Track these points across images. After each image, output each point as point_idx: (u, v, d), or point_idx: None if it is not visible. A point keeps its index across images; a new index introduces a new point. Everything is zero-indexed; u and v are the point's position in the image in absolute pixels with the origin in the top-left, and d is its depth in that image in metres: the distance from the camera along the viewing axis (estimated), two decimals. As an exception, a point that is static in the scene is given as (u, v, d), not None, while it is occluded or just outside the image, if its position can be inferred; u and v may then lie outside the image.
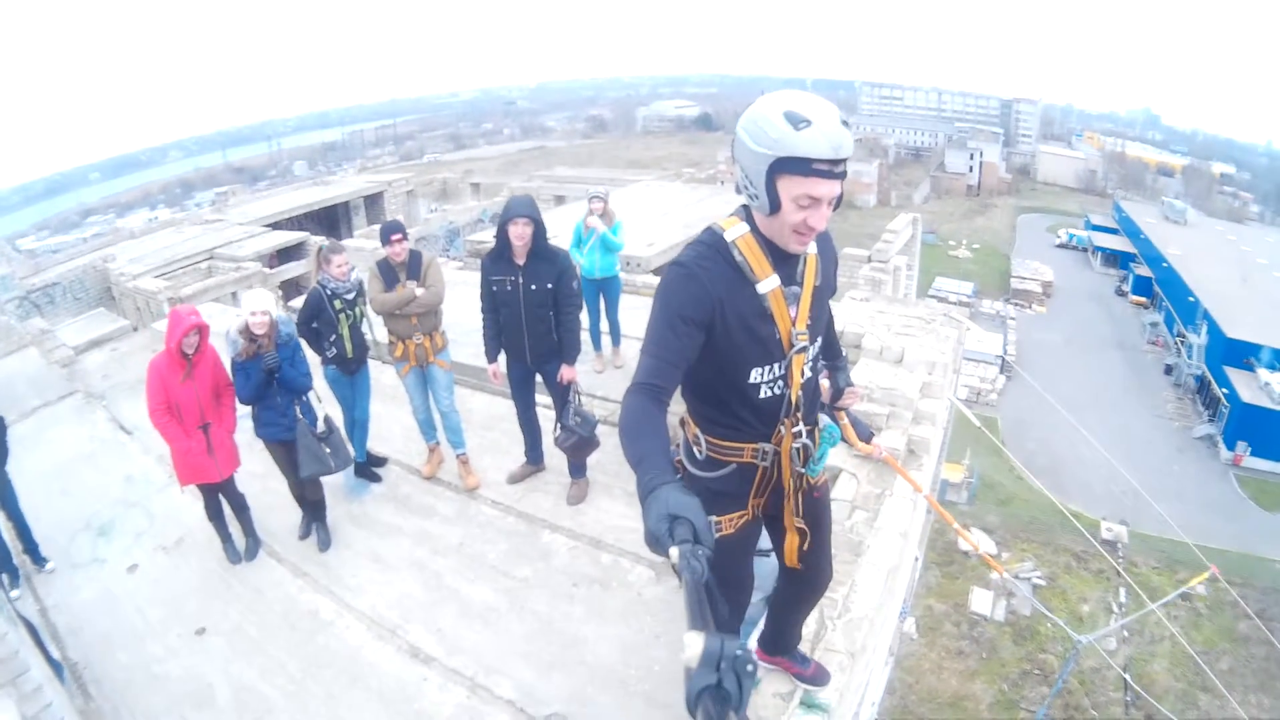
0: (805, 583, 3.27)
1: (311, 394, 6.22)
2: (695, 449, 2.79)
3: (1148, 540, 26.87)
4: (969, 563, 25.27)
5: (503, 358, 6.46)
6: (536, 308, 6.05)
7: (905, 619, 7.86)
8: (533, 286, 6.00)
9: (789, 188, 2.31)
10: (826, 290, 2.76)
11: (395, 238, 6.45)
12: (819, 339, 2.76)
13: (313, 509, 6.46)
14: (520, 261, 5.99)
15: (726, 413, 2.68)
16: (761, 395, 2.63)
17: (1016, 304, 54.43)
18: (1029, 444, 32.83)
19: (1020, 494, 28.55)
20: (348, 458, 6.46)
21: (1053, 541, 26.26)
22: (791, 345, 2.59)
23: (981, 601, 23.55)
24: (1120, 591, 24.08)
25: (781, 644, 3.62)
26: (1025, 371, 37.39)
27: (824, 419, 2.99)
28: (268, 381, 5.87)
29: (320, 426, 6.23)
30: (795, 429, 2.71)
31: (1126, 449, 31.59)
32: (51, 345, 12.07)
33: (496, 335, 6.33)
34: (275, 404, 5.99)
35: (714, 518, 2.77)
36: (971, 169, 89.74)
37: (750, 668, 1.40)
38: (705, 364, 2.52)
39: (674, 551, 1.69)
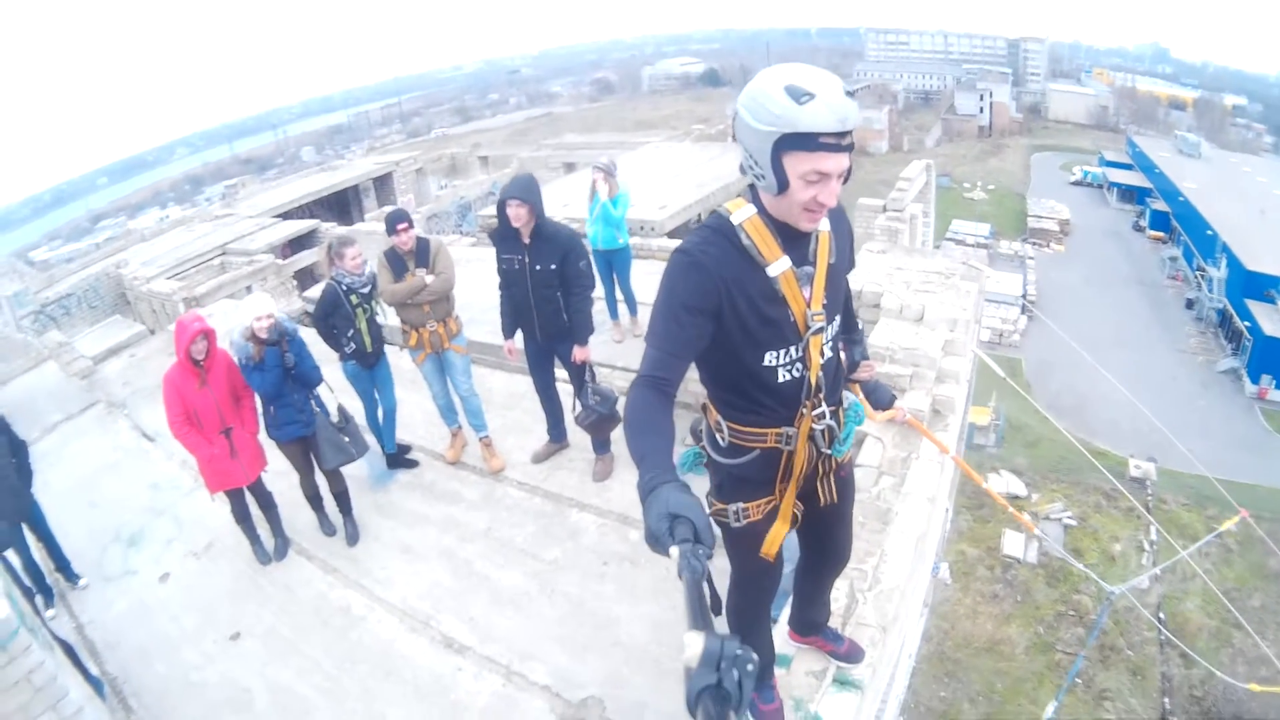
0: (828, 560, 3.25)
1: (322, 386, 6.22)
2: (718, 435, 2.73)
3: (1176, 477, 26.68)
4: (997, 506, 25.15)
5: (519, 334, 6.44)
6: (543, 288, 6.02)
7: (937, 573, 7.81)
8: (538, 266, 5.97)
9: (796, 164, 2.23)
10: (842, 268, 2.69)
11: (401, 226, 6.40)
12: (837, 318, 2.69)
13: (338, 501, 6.47)
14: (526, 240, 5.95)
15: (746, 398, 2.62)
16: (780, 379, 2.57)
17: (1034, 243, 53.75)
18: (1054, 384, 32.62)
19: (1048, 435, 28.32)
20: (365, 445, 6.45)
21: (1082, 481, 26.13)
22: (807, 327, 2.52)
23: (1014, 544, 23.50)
24: (1151, 529, 23.98)
25: (811, 622, 3.58)
26: (1046, 311, 37.01)
27: (848, 397, 2.94)
28: (285, 376, 5.87)
29: (335, 417, 6.24)
30: (817, 411, 2.65)
31: (1150, 386, 31.34)
32: (70, 357, 12.09)
33: (512, 311, 6.32)
34: (293, 401, 5.98)
35: (742, 504, 2.76)
36: (982, 110, 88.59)
37: (750, 667, 1.39)
38: (720, 350, 2.47)
39: (674, 551, 1.69)
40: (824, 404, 2.67)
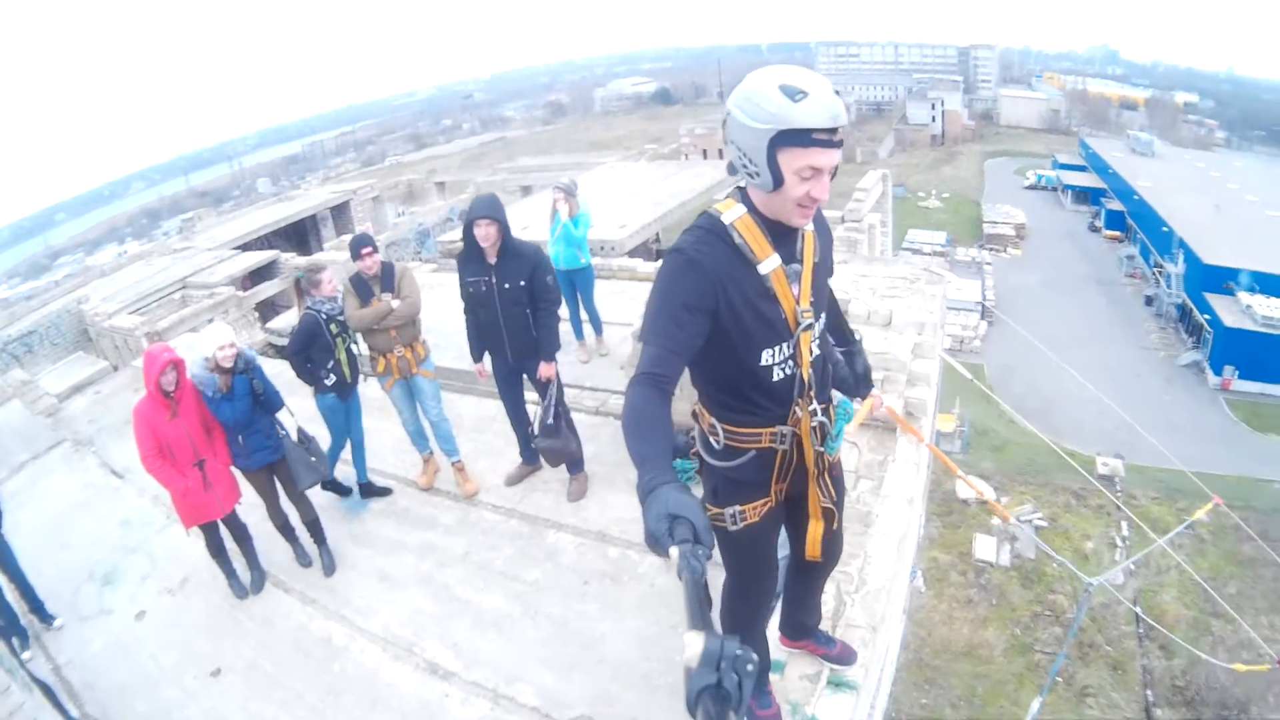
0: (820, 560, 3.22)
1: (283, 410, 6.19)
2: (712, 439, 2.75)
3: (1144, 472, 27.03)
4: (969, 511, 25.42)
5: (488, 356, 6.43)
6: (512, 305, 6.01)
7: (915, 577, 7.86)
8: (506, 285, 5.96)
9: (791, 161, 2.30)
10: (825, 267, 2.74)
11: (366, 251, 6.39)
12: (823, 315, 2.73)
13: (311, 530, 6.41)
14: (492, 261, 5.95)
15: (741, 398, 2.65)
16: (775, 377, 2.61)
17: (991, 249, 54.53)
18: (1017, 387, 32.96)
19: (1014, 438, 28.69)
20: (328, 464, 6.47)
21: (1050, 482, 26.42)
22: (798, 324, 2.57)
23: (985, 548, 23.69)
24: (1122, 525, 24.25)
25: (802, 626, 3.59)
26: (1006, 315, 37.38)
27: (837, 395, 2.98)
28: (251, 405, 5.83)
29: (296, 437, 6.25)
30: (810, 408, 2.69)
31: (1115, 383, 31.72)
32: (34, 396, 11.95)
33: (478, 335, 6.30)
34: (261, 427, 5.95)
35: (739, 507, 2.78)
36: (934, 119, 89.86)
37: (750, 667, 1.39)
38: (716, 350, 2.50)
39: (674, 551, 1.68)
40: (815, 401, 2.71)
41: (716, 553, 2.97)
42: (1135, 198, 51.39)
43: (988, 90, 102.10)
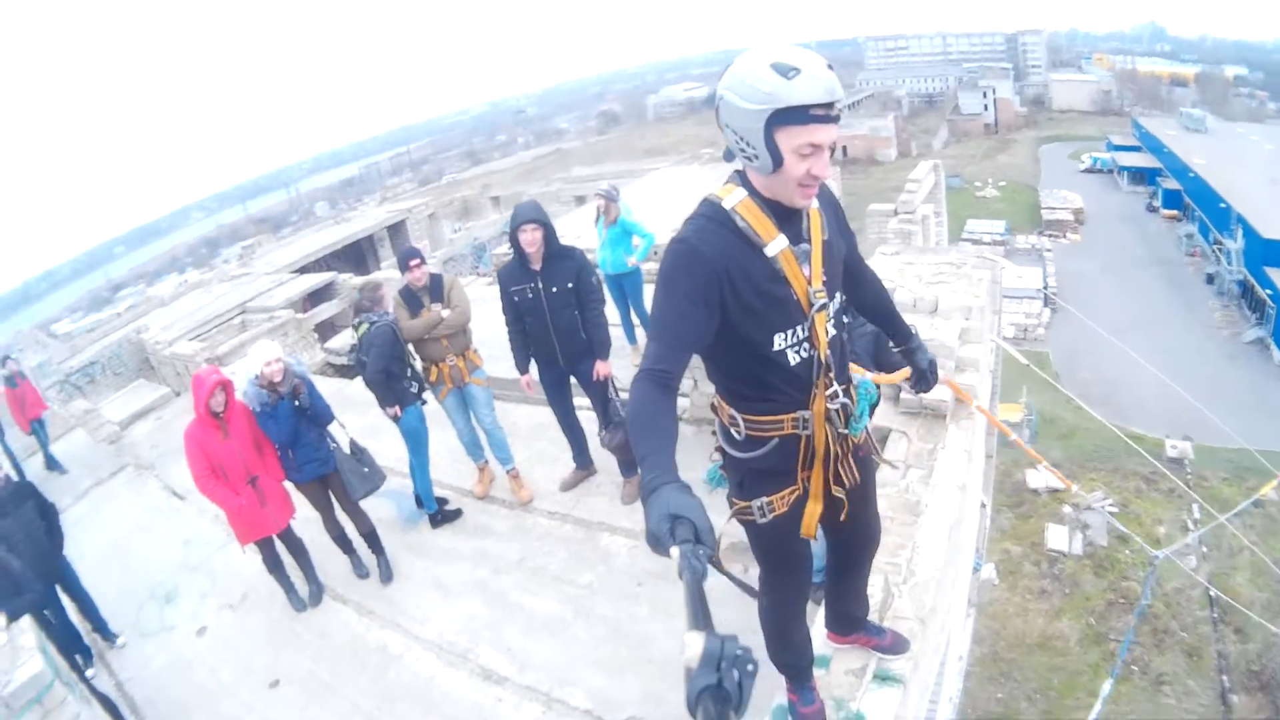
0: (855, 544, 3.17)
1: (334, 423, 6.25)
2: (733, 430, 2.68)
3: (1214, 453, 26.34)
4: (1039, 500, 24.96)
5: (534, 367, 6.42)
6: (561, 309, 6.01)
7: (979, 570, 7.69)
8: (554, 289, 5.96)
9: (789, 139, 2.25)
10: (837, 243, 2.67)
11: (414, 263, 6.44)
12: (838, 295, 2.66)
13: (368, 541, 6.48)
14: (536, 267, 5.96)
15: (759, 386, 2.59)
16: (791, 361, 2.54)
17: (1050, 235, 53.36)
18: (1083, 373, 32.27)
19: (1081, 425, 28.07)
20: (383, 473, 6.49)
21: (1120, 468, 25.86)
22: (811, 304, 2.51)
23: (1058, 538, 23.20)
24: (1194, 508, 23.63)
25: (849, 617, 3.51)
26: (1068, 301, 36.64)
27: (858, 375, 2.90)
28: (298, 419, 5.90)
29: (348, 449, 6.31)
30: (830, 390, 2.62)
31: (1179, 364, 30.90)
32: (97, 424, 12.27)
33: (524, 345, 6.30)
34: (310, 441, 6.02)
35: (766, 498, 2.71)
36: (986, 108, 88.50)
37: (750, 667, 1.39)
38: (728, 340, 2.45)
39: (675, 551, 1.68)
40: (835, 383, 2.64)
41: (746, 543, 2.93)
42: (1191, 175, 50.22)
43: (1038, 75, 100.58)
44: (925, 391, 3.39)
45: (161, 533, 8.42)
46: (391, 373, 6.46)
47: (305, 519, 6.34)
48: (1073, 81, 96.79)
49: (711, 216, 2.45)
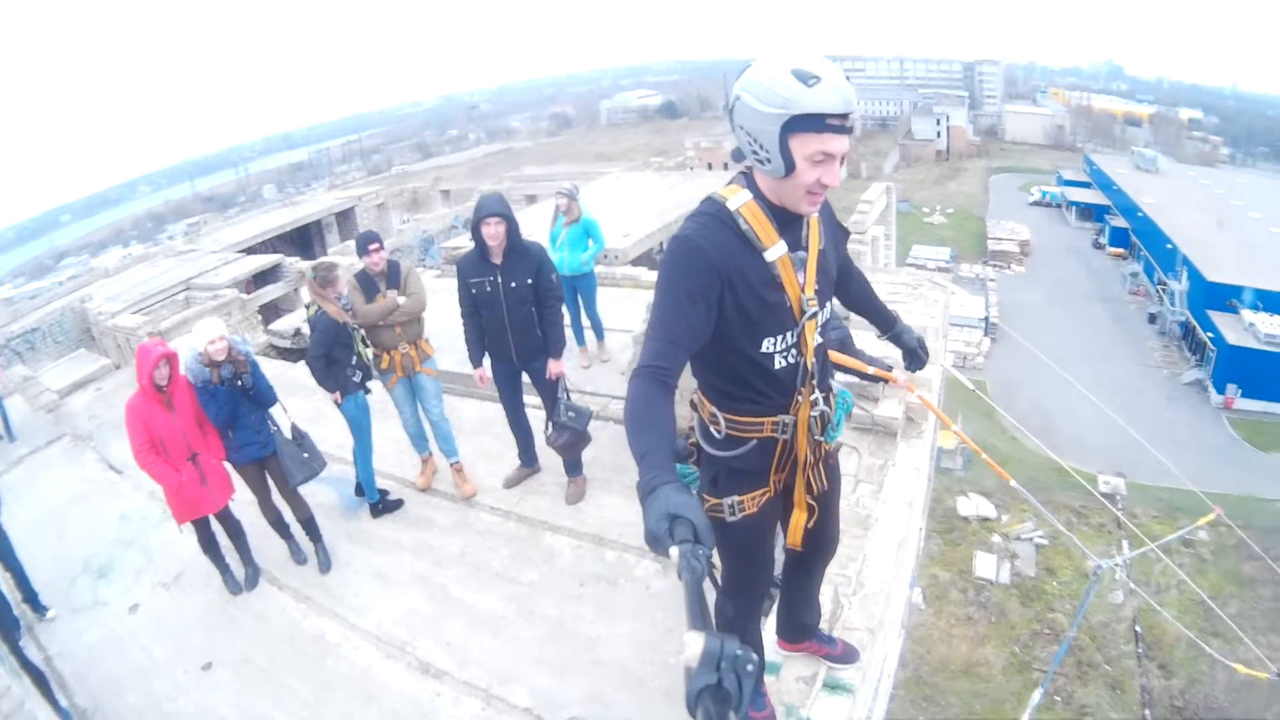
0: (817, 550, 3.20)
1: (276, 406, 6.16)
2: (713, 428, 2.72)
3: (1146, 490, 26.94)
4: (970, 527, 25.44)
5: (488, 361, 6.39)
6: (519, 305, 5.99)
7: (914, 589, 7.80)
8: (513, 284, 5.93)
9: (803, 146, 2.26)
10: (830, 253, 2.71)
11: (373, 247, 6.40)
12: (828, 304, 2.69)
13: (306, 528, 6.40)
14: (497, 261, 5.92)
15: (744, 387, 2.62)
16: (776, 365, 2.57)
17: (995, 265, 54.29)
18: (1020, 404, 32.72)
19: (1015, 455, 28.46)
20: (324, 460, 6.38)
21: (1052, 500, 26.24)
22: (803, 312, 2.54)
23: (986, 566, 23.61)
24: (1123, 544, 24.15)
25: (801, 626, 3.54)
26: (1012, 329, 37.27)
27: (836, 385, 2.94)
28: (238, 400, 5.81)
29: (289, 434, 6.21)
30: (812, 397, 2.67)
31: (1117, 400, 31.63)
32: (35, 391, 11.97)
33: (479, 338, 6.25)
34: (250, 423, 5.93)
35: (737, 497, 2.75)
36: (939, 134, 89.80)
37: (750, 667, 1.39)
38: (717, 339, 2.46)
39: (674, 551, 1.68)
40: (817, 390, 2.68)
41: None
42: (1139, 214, 51.28)
43: (993, 105, 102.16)
44: (919, 368, 3.47)
45: (97, 506, 8.25)
46: (333, 358, 6.39)
47: (245, 501, 6.24)
48: (1027, 114, 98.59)
49: (715, 215, 2.46)
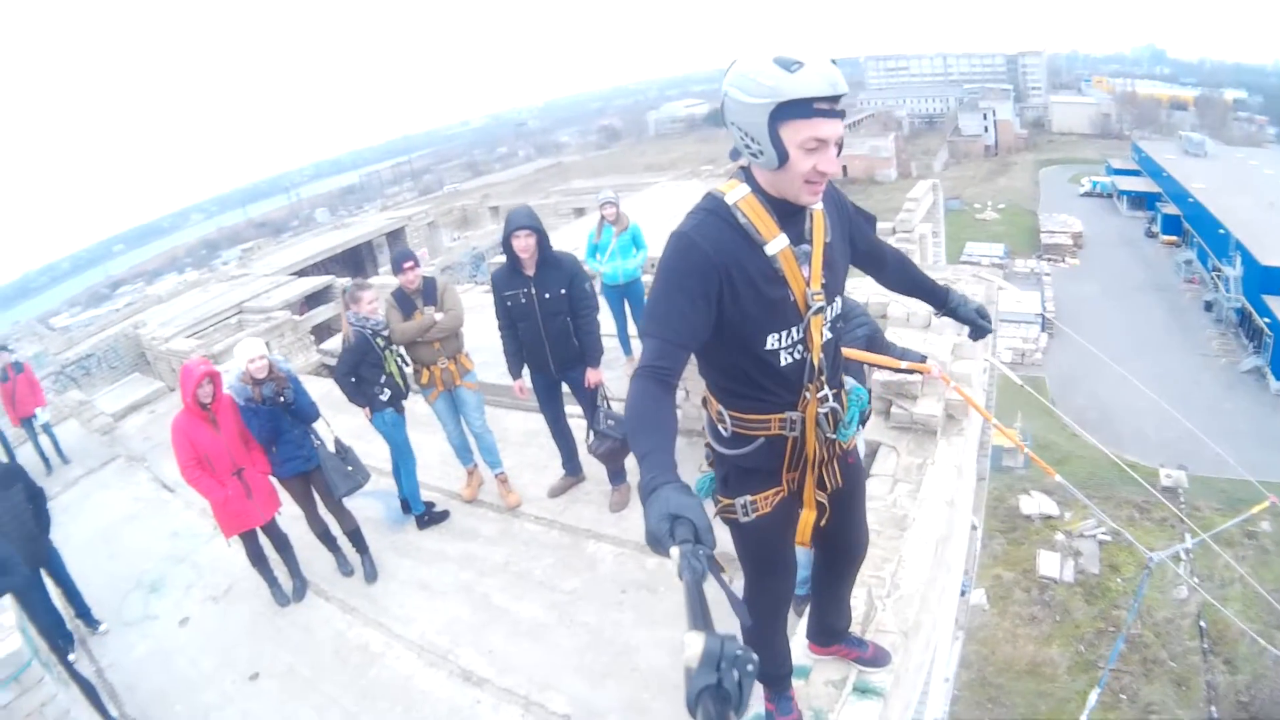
0: (842, 553, 3.14)
1: (320, 421, 6.26)
2: (720, 426, 2.67)
3: (1208, 483, 26.28)
4: (1032, 526, 24.97)
5: (527, 372, 6.42)
6: (554, 315, 6.02)
7: (968, 593, 7.68)
8: (546, 295, 5.97)
9: (794, 134, 2.22)
10: (840, 246, 2.64)
11: (407, 265, 6.43)
12: (838, 299, 2.62)
13: (353, 540, 6.48)
14: (530, 272, 5.97)
15: (748, 384, 2.57)
16: (782, 362, 2.52)
17: (1049, 259, 53.37)
18: (1079, 399, 32.23)
19: (1076, 451, 28.01)
20: (368, 472, 6.48)
21: (1114, 495, 25.73)
22: (808, 306, 2.48)
23: (1049, 564, 23.14)
24: (1186, 537, 23.61)
25: (831, 630, 3.48)
26: (1066, 326, 36.56)
27: (850, 381, 2.88)
28: (280, 416, 5.93)
29: (333, 448, 6.30)
30: (821, 394, 2.60)
31: (1176, 391, 30.86)
32: (90, 415, 12.24)
33: (517, 350, 6.29)
34: (292, 437, 6.03)
35: (750, 497, 2.70)
36: (987, 129, 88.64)
37: (750, 667, 1.39)
38: (721, 335, 2.42)
39: (674, 551, 1.68)
40: (826, 387, 2.62)
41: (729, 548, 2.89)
42: (1190, 200, 50.17)
43: (1038, 97, 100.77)
44: (982, 337, 3.38)
45: (149, 523, 8.43)
46: (361, 376, 6.49)
47: (292, 516, 6.33)
48: (1073, 104, 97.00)
49: (712, 210, 2.42)
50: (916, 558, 4.13)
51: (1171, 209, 54.57)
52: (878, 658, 3.52)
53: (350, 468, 6.30)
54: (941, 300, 3.26)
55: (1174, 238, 53.49)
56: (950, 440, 5.29)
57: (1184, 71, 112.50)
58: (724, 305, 2.36)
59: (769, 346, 2.48)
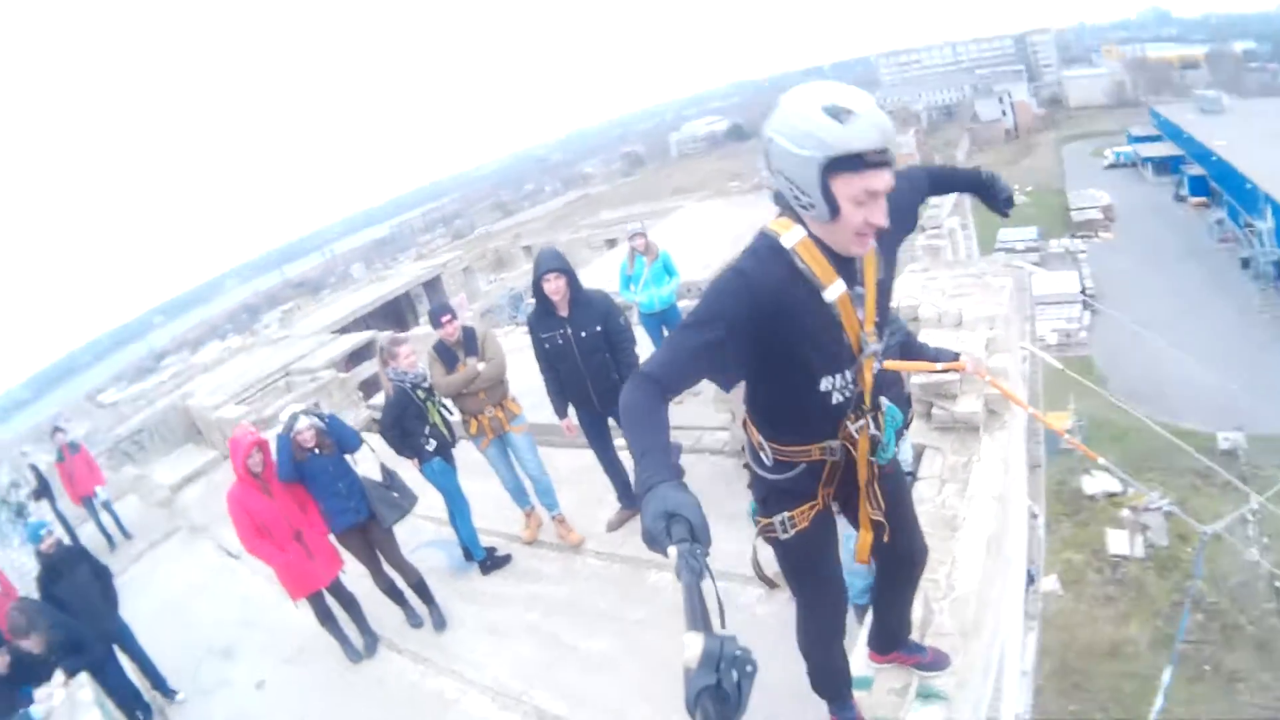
0: (900, 564, 3.12)
1: (364, 449, 6.37)
2: (762, 454, 2.71)
3: (1269, 441, 25.68)
4: (1097, 506, 24.55)
5: (573, 411, 6.51)
6: (592, 353, 6.11)
7: (1036, 582, 7.62)
8: (583, 334, 6.06)
9: (845, 187, 2.18)
10: (888, 283, 2.63)
11: (445, 319, 6.55)
12: (886, 334, 2.63)
13: (418, 591, 6.55)
14: (564, 313, 6.07)
15: (794, 419, 2.60)
16: (833, 401, 2.53)
17: (1083, 236, 52.50)
18: (1130, 372, 31.58)
19: (1134, 427, 27.58)
20: (414, 496, 6.56)
21: (1174, 465, 25.32)
22: (861, 349, 2.49)
23: (1118, 542, 22.75)
24: (1251, 498, 23.19)
25: (890, 638, 3.49)
26: (1106, 301, 36.06)
27: (883, 401, 2.85)
28: (327, 463, 6.06)
29: (379, 477, 6.40)
30: (858, 423, 2.61)
31: (1221, 351, 30.40)
32: (149, 489, 12.53)
33: (560, 390, 6.40)
34: (338, 491, 6.11)
35: (787, 513, 2.72)
36: (1004, 113, 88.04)
37: (749, 668, 1.42)
38: (772, 377, 2.45)
39: (672, 550, 1.69)
40: (865, 415, 2.63)
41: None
42: (1214, 159, 49.08)
43: (1051, 75, 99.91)
44: (1007, 208, 3.19)
45: (217, 591, 8.62)
46: (406, 429, 6.59)
47: (359, 575, 6.47)
48: (1086, 77, 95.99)
49: (773, 251, 2.38)
50: (969, 557, 4.14)
51: (1197, 170, 53.61)
52: (937, 661, 3.52)
53: (396, 494, 6.40)
54: (981, 184, 3.16)
55: (1203, 199, 52.49)
56: (994, 435, 5.29)
57: (1190, 29, 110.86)
58: (774, 349, 2.36)
59: (823, 389, 2.50)
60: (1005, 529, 4.68)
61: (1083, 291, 40.79)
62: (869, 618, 3.57)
